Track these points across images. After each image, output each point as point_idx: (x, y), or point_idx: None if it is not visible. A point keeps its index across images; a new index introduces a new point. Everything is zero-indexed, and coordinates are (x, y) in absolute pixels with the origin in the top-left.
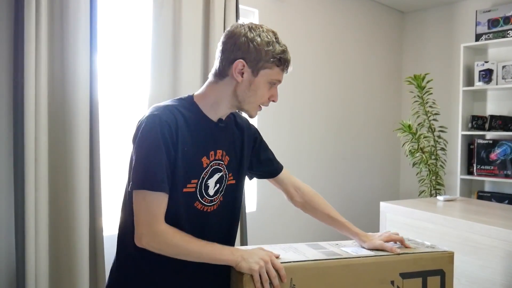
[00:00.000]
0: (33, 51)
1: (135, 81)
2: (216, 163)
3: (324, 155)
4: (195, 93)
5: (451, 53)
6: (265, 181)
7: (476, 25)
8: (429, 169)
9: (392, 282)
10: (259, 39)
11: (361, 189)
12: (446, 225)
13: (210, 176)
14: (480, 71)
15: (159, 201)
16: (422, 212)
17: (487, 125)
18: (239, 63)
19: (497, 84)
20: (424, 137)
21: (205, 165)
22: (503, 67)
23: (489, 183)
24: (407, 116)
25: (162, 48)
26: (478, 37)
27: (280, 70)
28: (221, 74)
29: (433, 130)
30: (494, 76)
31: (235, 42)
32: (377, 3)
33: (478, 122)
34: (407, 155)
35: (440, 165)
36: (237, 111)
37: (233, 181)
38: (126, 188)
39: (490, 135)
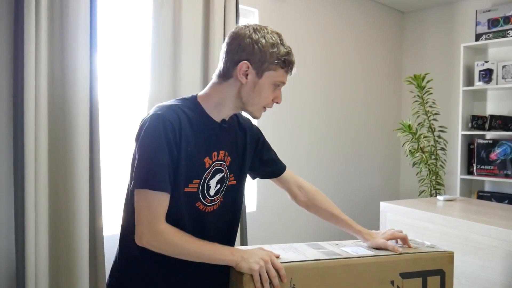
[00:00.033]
0: (33, 51)
1: (135, 81)
2: (218, 163)
3: (324, 155)
4: (199, 94)
5: (451, 53)
6: (265, 181)
7: (476, 25)
8: (429, 169)
9: (392, 282)
10: (263, 41)
11: (361, 189)
12: (446, 225)
13: (212, 177)
14: (480, 71)
15: (160, 201)
16: (422, 212)
17: (487, 125)
18: (244, 65)
19: (497, 84)
20: (424, 137)
21: (207, 166)
22: (503, 67)
23: (489, 183)
24: (407, 116)
25: (162, 48)
26: (478, 37)
27: (285, 72)
28: (225, 75)
29: (433, 130)
30: (494, 76)
31: (239, 44)
32: (377, 3)
33: (478, 122)
34: (407, 155)
35: (440, 165)
36: (241, 112)
37: (234, 182)
38: (128, 187)
39: (490, 135)
